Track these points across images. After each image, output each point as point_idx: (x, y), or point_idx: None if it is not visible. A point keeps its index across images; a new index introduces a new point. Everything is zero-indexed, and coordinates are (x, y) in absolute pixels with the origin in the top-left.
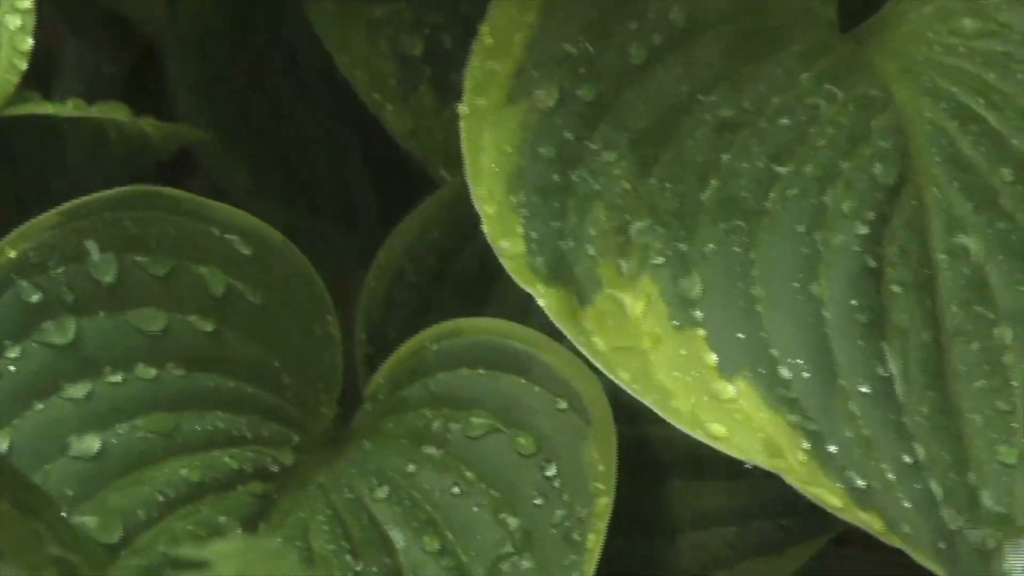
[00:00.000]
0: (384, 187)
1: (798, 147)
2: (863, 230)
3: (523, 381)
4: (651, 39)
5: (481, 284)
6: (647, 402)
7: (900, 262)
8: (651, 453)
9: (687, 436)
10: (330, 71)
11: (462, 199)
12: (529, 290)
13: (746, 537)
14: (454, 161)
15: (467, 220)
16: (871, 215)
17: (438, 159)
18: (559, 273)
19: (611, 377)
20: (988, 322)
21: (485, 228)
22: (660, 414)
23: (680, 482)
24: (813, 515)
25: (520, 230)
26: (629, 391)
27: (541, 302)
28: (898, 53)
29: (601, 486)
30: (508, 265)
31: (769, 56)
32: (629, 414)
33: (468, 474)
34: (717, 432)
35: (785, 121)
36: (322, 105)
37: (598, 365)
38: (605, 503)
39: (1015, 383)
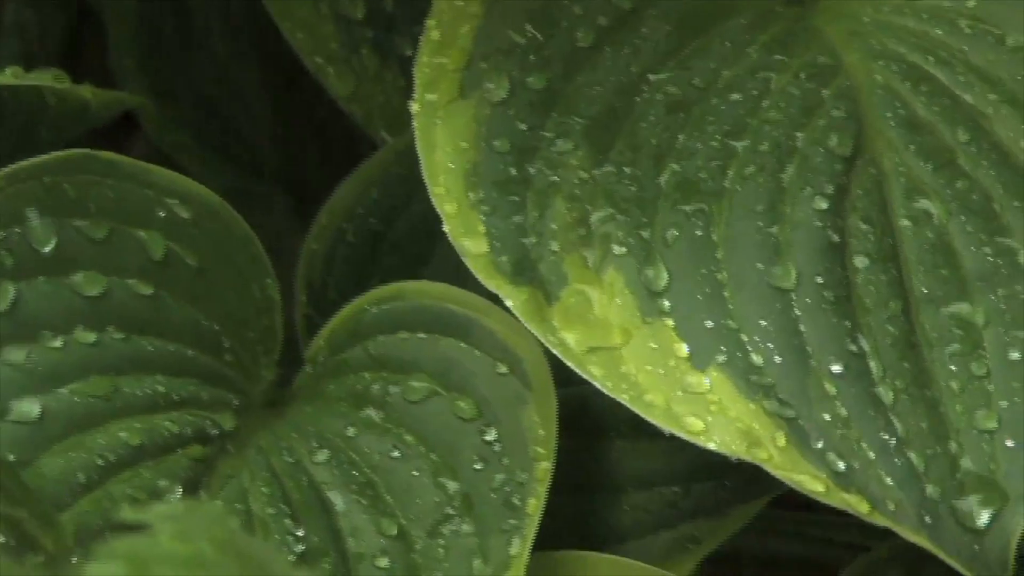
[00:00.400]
0: (325, 149)
1: (752, 122)
2: (823, 204)
3: (463, 345)
4: (597, 21)
5: (421, 244)
6: (621, 399)
7: (863, 233)
8: (592, 413)
9: None
10: (270, 33)
11: (402, 160)
12: (495, 290)
13: (689, 498)
14: (395, 123)
15: (407, 181)
16: (830, 188)
17: (379, 121)
18: (524, 270)
19: (583, 375)
20: (956, 286)
21: (446, 228)
22: (634, 410)
23: (622, 442)
24: (756, 475)
25: (482, 228)
26: (602, 389)
27: (508, 303)
28: (843, 15)
29: (541, 450)
30: (472, 265)
31: (716, 30)
32: (571, 374)
33: (408, 437)
34: (694, 427)
35: (736, 96)
36: (262, 68)
37: (570, 364)
38: (545, 467)
39: (987, 345)
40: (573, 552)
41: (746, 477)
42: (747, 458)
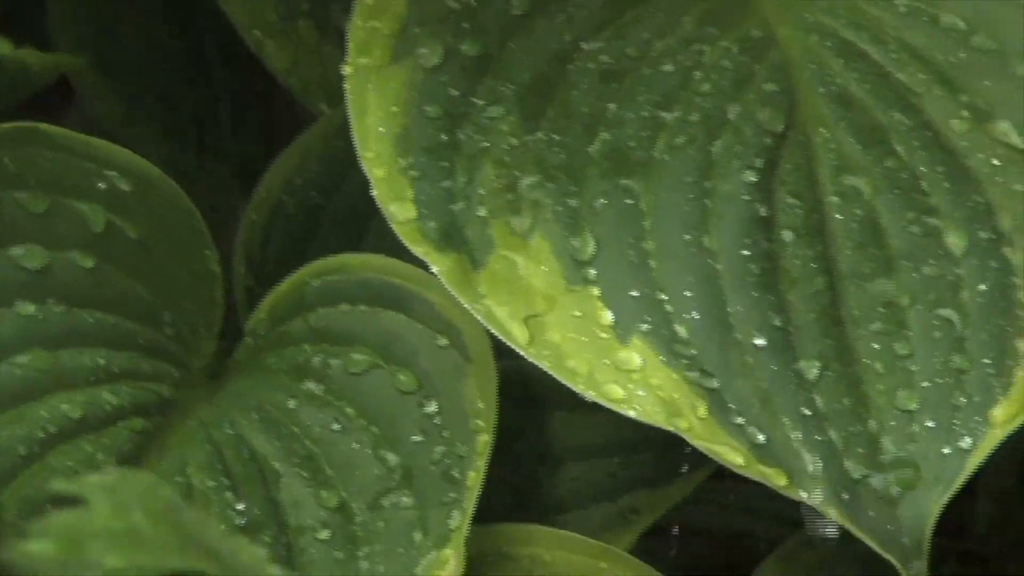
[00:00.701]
0: (265, 122)
1: (683, 93)
2: (752, 177)
3: (404, 318)
4: None
5: (361, 217)
6: (543, 366)
7: (791, 208)
8: (533, 385)
9: None
10: (208, 5)
11: (341, 132)
12: (421, 255)
13: (629, 469)
14: (335, 96)
15: (346, 153)
16: (759, 162)
17: (318, 93)
18: (451, 236)
19: (507, 341)
20: (881, 263)
21: (374, 192)
22: (557, 378)
23: (562, 414)
24: (696, 447)
25: (410, 193)
26: (526, 355)
27: (434, 268)
28: None
29: (481, 423)
30: (399, 230)
31: (651, 0)
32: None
33: (348, 410)
34: (615, 395)
35: (669, 67)
36: (200, 40)
37: (493, 330)
38: (485, 440)
39: (911, 325)
40: (513, 525)
41: (686, 449)
42: (667, 427)
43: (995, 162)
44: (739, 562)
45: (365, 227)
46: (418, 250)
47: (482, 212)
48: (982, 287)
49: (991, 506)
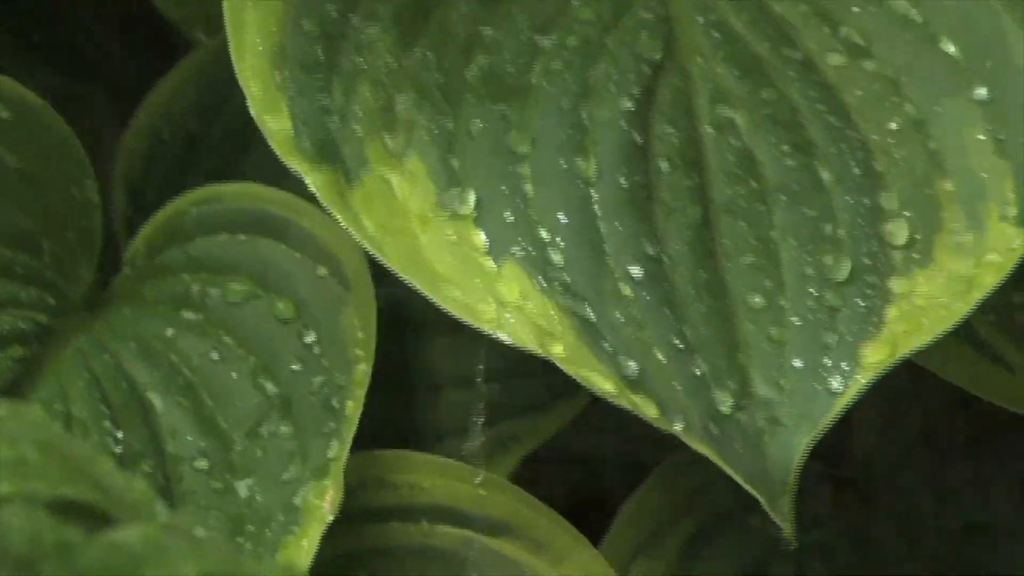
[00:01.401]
0: (144, 50)
1: (561, 19)
2: (629, 105)
3: (282, 247)
4: None
5: (239, 146)
6: (415, 285)
7: (667, 137)
8: (413, 311)
9: None
10: None
11: (219, 61)
12: (296, 169)
13: (509, 395)
14: (212, 23)
15: (224, 82)
16: (637, 90)
17: (196, 22)
18: (326, 152)
19: (380, 259)
20: (756, 197)
21: (250, 106)
22: (430, 298)
23: (442, 340)
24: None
25: (286, 108)
26: (399, 275)
27: (308, 181)
28: None
29: (360, 352)
30: (275, 144)
31: None
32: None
33: (227, 339)
34: (487, 317)
35: None
36: None
37: (367, 246)
38: (364, 370)
39: (783, 260)
40: (393, 452)
41: (566, 377)
42: (539, 352)
43: (871, 99)
44: (618, 487)
45: (244, 157)
46: (293, 163)
47: (358, 130)
48: (855, 225)
49: (867, 434)
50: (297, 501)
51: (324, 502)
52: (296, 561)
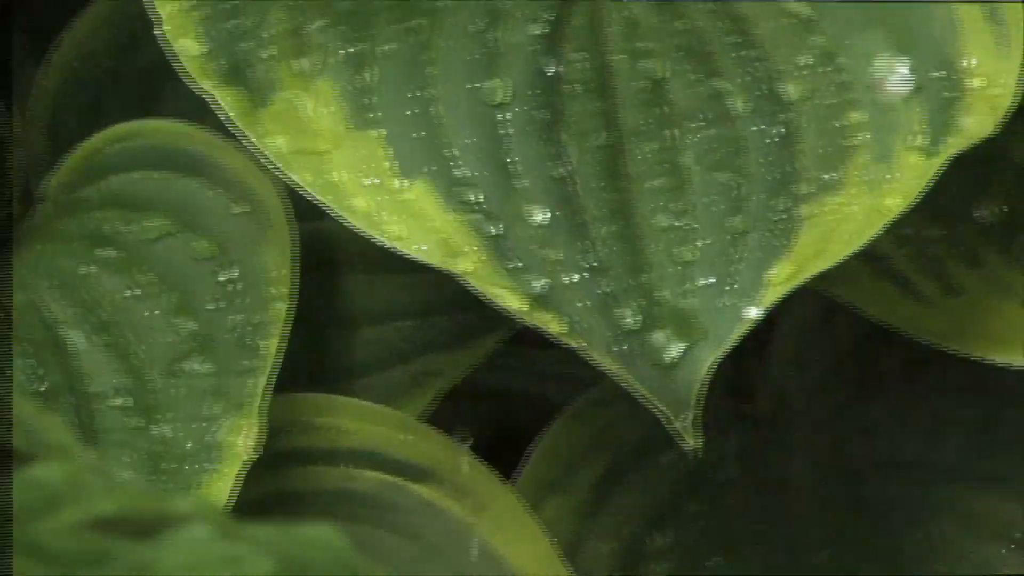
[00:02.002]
0: None
1: None
2: (540, 30)
3: (199, 184)
4: None
5: (156, 82)
6: (325, 203)
7: (577, 62)
8: (328, 247)
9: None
10: None
11: None
12: (208, 90)
13: (424, 332)
14: None
15: (139, 19)
16: (548, 15)
17: None
18: (238, 73)
19: (290, 177)
20: (664, 122)
21: (163, 29)
22: (338, 214)
23: (357, 276)
24: (493, 311)
25: (197, 31)
26: (306, 193)
27: (220, 102)
28: None
29: (280, 290)
30: (188, 65)
31: None
32: (307, 208)
33: (144, 277)
34: (395, 232)
35: None
36: None
37: (278, 165)
38: (282, 308)
39: (692, 185)
40: (316, 395)
41: (484, 313)
42: (446, 269)
43: (782, 31)
44: (532, 424)
45: (160, 92)
46: (205, 84)
47: (270, 52)
48: (764, 152)
49: (780, 372)
50: (216, 438)
51: (242, 440)
52: (214, 498)
